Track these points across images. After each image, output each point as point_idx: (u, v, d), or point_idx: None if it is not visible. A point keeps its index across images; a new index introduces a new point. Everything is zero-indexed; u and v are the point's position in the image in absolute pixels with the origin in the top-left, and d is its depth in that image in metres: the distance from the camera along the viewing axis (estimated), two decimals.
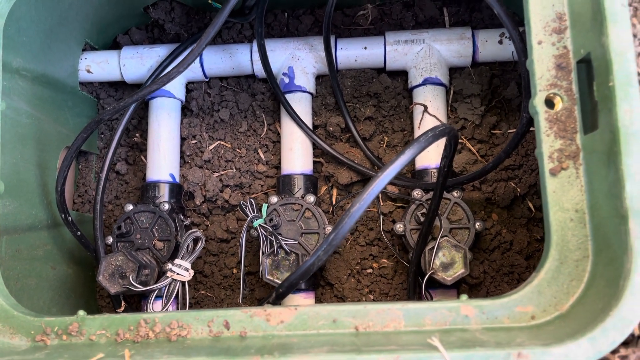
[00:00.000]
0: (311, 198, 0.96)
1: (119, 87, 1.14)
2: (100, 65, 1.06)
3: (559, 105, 0.61)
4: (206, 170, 1.07)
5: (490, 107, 1.03)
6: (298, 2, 1.08)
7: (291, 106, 1.00)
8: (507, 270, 0.97)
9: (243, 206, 0.93)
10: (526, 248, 0.98)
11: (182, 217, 1.01)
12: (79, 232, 0.94)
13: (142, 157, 1.11)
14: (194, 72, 1.06)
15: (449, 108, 1.03)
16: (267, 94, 1.09)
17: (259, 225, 0.92)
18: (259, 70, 1.04)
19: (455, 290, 0.95)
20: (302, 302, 0.96)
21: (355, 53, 1.02)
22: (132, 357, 0.57)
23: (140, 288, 0.86)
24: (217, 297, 1.06)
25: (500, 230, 0.99)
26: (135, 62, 1.05)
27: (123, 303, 0.96)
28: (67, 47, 1.02)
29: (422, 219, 0.91)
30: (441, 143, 0.76)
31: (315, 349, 0.55)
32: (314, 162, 1.04)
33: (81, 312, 0.66)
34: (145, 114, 1.09)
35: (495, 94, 1.03)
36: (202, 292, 1.06)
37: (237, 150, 1.08)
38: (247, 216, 0.92)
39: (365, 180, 1.04)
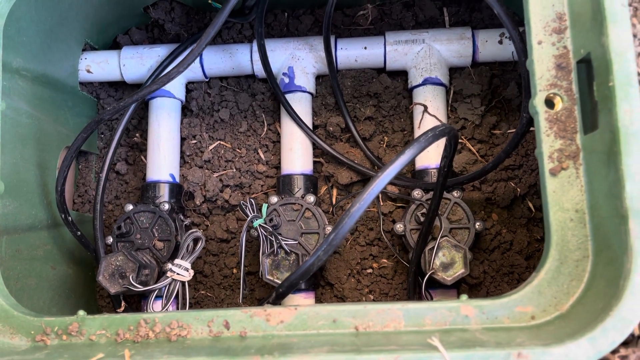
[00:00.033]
0: (311, 198, 0.96)
1: (119, 87, 1.14)
2: (100, 65, 1.06)
3: (559, 105, 0.61)
4: (206, 170, 1.07)
5: (490, 107, 1.03)
6: (298, 2, 1.08)
7: (291, 106, 1.00)
8: (507, 270, 0.97)
9: (243, 206, 0.93)
10: (526, 248, 0.98)
11: (182, 217, 1.01)
12: (79, 232, 0.95)
13: (142, 157, 1.11)
14: (194, 72, 1.06)
15: (449, 108, 1.03)
16: (267, 94, 1.09)
17: (259, 225, 0.92)
18: (259, 70, 1.04)
19: (455, 290, 0.95)
20: (302, 302, 0.96)
21: (355, 53, 1.02)
22: (132, 357, 0.57)
23: (140, 288, 0.86)
24: (217, 297, 1.06)
25: (500, 230, 0.99)
26: (135, 62, 1.05)
27: (123, 303, 0.96)
28: (67, 47, 1.02)
29: (422, 219, 0.91)
30: (441, 143, 0.76)
31: (315, 349, 0.55)
32: (314, 162, 1.04)
33: (81, 312, 0.66)
34: (145, 114, 1.09)
35: (495, 94, 1.03)
36: (202, 292, 1.06)
37: (237, 150, 1.08)
38: (247, 216, 0.92)
39: (365, 180, 1.04)
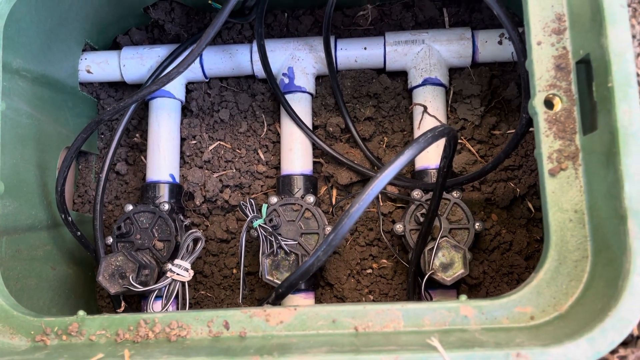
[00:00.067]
0: (311, 198, 0.97)
1: (119, 87, 1.14)
2: (100, 66, 1.06)
3: (558, 105, 0.61)
4: (206, 171, 1.07)
5: (490, 108, 1.03)
6: (298, 2, 1.08)
7: (291, 106, 1.00)
8: (506, 271, 0.97)
9: (243, 206, 0.93)
10: (526, 248, 0.98)
11: (182, 218, 1.01)
12: (78, 233, 0.95)
13: (142, 158, 1.11)
14: (194, 72, 1.06)
15: (449, 108, 1.03)
16: (267, 95, 1.09)
17: (259, 225, 0.92)
18: (259, 71, 1.04)
19: (454, 291, 0.95)
20: (301, 302, 0.96)
21: (355, 53, 1.02)
22: (131, 357, 0.57)
23: (140, 288, 0.86)
24: (217, 297, 1.06)
25: (499, 231, 0.99)
26: (135, 63, 1.05)
27: (123, 303, 0.96)
28: (67, 47, 1.02)
29: (421, 219, 0.91)
30: (441, 143, 0.76)
31: (315, 349, 0.55)
32: (314, 163, 1.04)
33: (81, 312, 0.66)
34: (145, 114, 1.09)
35: (494, 94, 1.03)
36: (202, 292, 1.06)
37: (237, 150, 1.08)
38: (247, 216, 0.92)
39: (365, 180, 1.04)
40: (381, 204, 1.03)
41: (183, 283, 0.90)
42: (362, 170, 1.01)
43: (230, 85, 1.10)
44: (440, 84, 0.99)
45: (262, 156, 1.08)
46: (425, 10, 1.05)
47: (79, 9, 0.99)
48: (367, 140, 1.05)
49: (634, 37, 0.63)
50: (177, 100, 1.06)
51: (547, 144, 0.61)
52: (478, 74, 1.02)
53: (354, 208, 0.60)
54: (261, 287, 1.05)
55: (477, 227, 0.92)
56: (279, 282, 0.84)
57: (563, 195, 0.60)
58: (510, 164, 0.99)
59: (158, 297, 0.92)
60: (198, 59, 1.04)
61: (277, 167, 1.07)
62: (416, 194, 0.95)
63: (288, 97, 1.02)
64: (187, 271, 0.89)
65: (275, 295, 0.71)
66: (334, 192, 1.06)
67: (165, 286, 0.89)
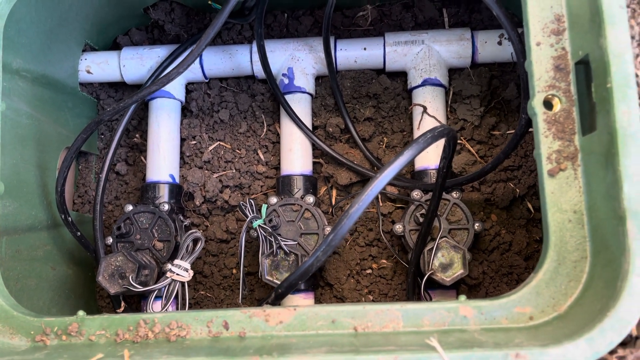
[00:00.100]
0: (310, 199, 0.97)
1: (119, 87, 1.14)
2: (100, 66, 1.06)
3: (557, 106, 0.61)
4: (206, 171, 1.08)
5: (490, 108, 1.03)
6: (298, 3, 1.08)
7: (291, 107, 1.01)
8: (506, 271, 0.97)
9: (242, 207, 0.93)
10: (525, 249, 0.98)
11: (181, 218, 1.01)
12: (78, 233, 0.95)
13: (142, 158, 1.11)
14: (193, 72, 1.06)
15: (449, 109, 1.03)
16: (266, 95, 1.09)
17: (259, 225, 0.92)
18: (259, 71, 1.04)
19: (454, 291, 0.95)
20: (301, 302, 0.96)
21: (354, 54, 1.02)
22: (131, 357, 0.57)
23: (140, 288, 0.86)
24: (216, 297, 1.06)
25: (499, 231, 0.99)
26: (135, 63, 1.05)
27: (123, 303, 0.96)
28: (67, 48, 1.02)
29: (421, 219, 0.92)
30: (441, 144, 0.76)
31: (314, 349, 0.55)
32: (314, 163, 1.05)
33: (81, 313, 0.66)
34: (145, 114, 1.09)
35: (494, 95, 1.03)
36: (202, 292, 1.06)
37: (237, 150, 1.08)
38: (247, 217, 0.92)
39: (364, 180, 1.04)
40: (381, 204, 1.03)
41: (183, 283, 0.90)
42: (361, 170, 1.01)
43: (230, 85, 1.10)
44: (440, 85, 0.99)
45: (261, 156, 1.08)
46: (425, 11, 1.06)
47: (79, 9, 0.99)
48: (366, 141, 1.05)
49: (632, 38, 0.64)
50: (177, 100, 1.06)
51: (547, 144, 0.61)
52: (478, 74, 1.02)
53: (354, 208, 0.61)
54: (261, 288, 1.05)
55: (476, 227, 0.92)
56: (279, 283, 0.84)
57: (562, 196, 0.60)
58: (510, 164, 0.99)
59: (158, 297, 0.92)
60: (198, 60, 1.04)
61: (277, 168, 1.07)
62: (416, 194, 0.95)
63: (288, 97, 1.02)
64: (187, 271, 0.89)
65: (274, 296, 0.71)
66: (334, 192, 1.06)
67: (165, 286, 0.89)
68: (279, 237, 0.91)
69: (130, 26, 1.12)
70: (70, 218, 0.93)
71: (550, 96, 0.61)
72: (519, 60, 0.75)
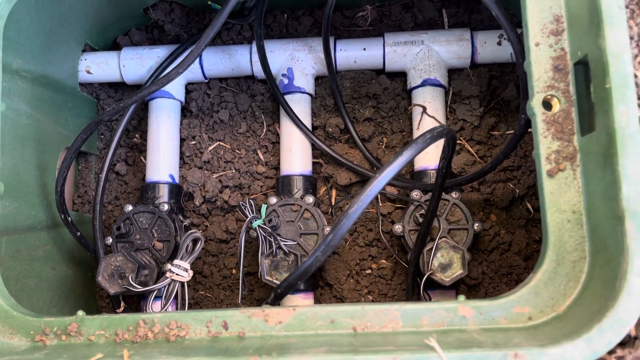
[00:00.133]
0: (310, 199, 0.97)
1: (118, 88, 1.14)
2: (100, 66, 1.06)
3: (556, 106, 0.61)
4: (205, 171, 1.08)
5: (489, 109, 1.03)
6: (297, 3, 1.08)
7: (290, 107, 1.01)
8: (505, 271, 0.98)
9: (242, 207, 0.93)
10: (525, 249, 0.98)
11: (181, 218, 1.01)
12: (78, 233, 0.95)
13: (142, 158, 1.11)
14: (193, 73, 1.06)
15: (448, 109, 1.03)
16: (266, 95, 1.09)
17: (258, 226, 0.92)
18: (259, 71, 1.04)
19: (454, 291, 0.95)
20: (301, 302, 0.96)
21: (354, 54, 1.02)
22: (130, 357, 0.57)
23: (140, 288, 0.86)
24: (216, 297, 1.06)
25: (498, 231, 0.99)
26: (135, 63, 1.05)
27: (122, 303, 0.96)
28: (67, 48, 1.02)
29: (420, 219, 0.92)
30: (440, 144, 0.76)
31: (313, 349, 0.55)
32: (313, 163, 1.05)
33: (80, 313, 0.66)
34: (145, 114, 1.09)
35: (494, 95, 1.03)
36: (202, 292, 1.06)
37: (237, 151, 1.08)
38: (246, 217, 0.92)
39: (364, 181, 1.04)
40: (380, 204, 1.03)
41: (182, 283, 0.90)
42: (361, 170, 1.01)
43: (230, 85, 1.10)
44: (440, 85, 0.99)
45: (261, 157, 1.08)
46: (425, 11, 1.06)
47: (79, 9, 0.99)
48: (366, 141, 1.05)
49: (631, 38, 0.64)
50: (177, 100, 1.06)
51: (545, 144, 0.61)
52: (477, 74, 1.02)
53: (353, 209, 0.61)
54: (260, 288, 1.05)
55: (476, 227, 0.92)
56: (278, 283, 0.84)
57: (561, 196, 0.60)
58: (510, 164, 1.00)
59: (157, 297, 0.93)
60: (198, 60, 1.04)
61: (277, 168, 1.07)
62: (415, 194, 0.95)
63: (287, 97, 1.02)
64: (187, 271, 0.89)
65: (274, 296, 0.71)
66: (334, 192, 1.06)
67: (165, 286, 0.89)
68: (278, 237, 0.92)
69: (130, 26, 1.12)
70: (70, 218, 0.93)
71: (549, 96, 0.61)
72: (518, 60, 0.75)
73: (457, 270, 0.87)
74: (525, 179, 0.98)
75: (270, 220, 0.92)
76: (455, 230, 0.92)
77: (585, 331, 0.51)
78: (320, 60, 1.02)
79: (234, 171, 1.07)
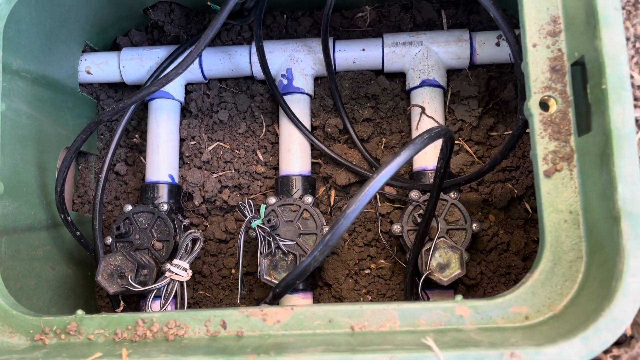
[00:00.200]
0: (309, 199, 0.97)
1: (118, 88, 1.15)
2: (100, 67, 1.07)
3: (553, 107, 0.61)
4: (205, 171, 1.08)
5: (488, 109, 1.04)
6: (297, 4, 1.09)
7: (289, 108, 1.01)
8: (504, 271, 0.98)
9: (241, 207, 0.93)
10: (523, 249, 0.98)
11: (181, 218, 1.02)
12: (78, 233, 0.95)
13: (142, 158, 1.11)
14: (193, 73, 1.06)
15: (447, 110, 1.04)
16: (265, 96, 1.09)
17: (257, 226, 0.93)
18: (258, 72, 1.04)
19: (452, 291, 0.95)
20: (300, 302, 0.96)
21: (353, 55, 1.02)
22: (129, 356, 0.57)
23: (139, 288, 0.86)
24: (215, 297, 1.06)
25: (497, 232, 0.99)
26: (134, 64, 1.05)
27: (122, 303, 0.97)
28: (67, 48, 1.03)
29: (419, 220, 0.92)
30: (439, 144, 0.76)
31: (311, 348, 0.55)
32: (312, 163, 1.05)
33: (79, 312, 0.66)
34: (145, 115, 1.10)
35: (492, 95, 1.04)
36: (201, 292, 1.06)
37: (236, 151, 1.09)
38: (246, 217, 0.93)
39: (363, 181, 1.05)
40: (379, 204, 1.04)
41: (181, 283, 0.90)
42: (360, 171, 1.01)
43: (229, 86, 1.11)
44: (438, 86, 1.00)
45: (260, 157, 1.08)
46: (424, 12, 1.06)
47: (79, 10, 0.99)
48: (365, 141, 1.06)
49: (627, 39, 0.64)
50: (177, 101, 1.07)
51: (543, 145, 0.61)
52: (476, 75, 1.02)
53: (351, 208, 0.61)
54: (260, 287, 1.06)
55: (474, 227, 0.92)
56: (277, 282, 0.84)
57: (558, 196, 0.60)
58: (508, 165, 1.00)
59: (157, 297, 0.93)
60: (197, 60, 1.04)
61: (276, 168, 1.07)
62: (414, 194, 0.95)
63: (287, 98, 1.02)
64: (186, 271, 0.90)
65: (272, 295, 0.71)
66: (333, 192, 1.06)
67: (164, 286, 0.89)
68: (277, 237, 0.92)
69: (130, 27, 1.12)
70: (69, 218, 0.93)
71: (546, 97, 0.61)
72: (516, 61, 0.75)
73: (455, 270, 0.87)
74: (523, 180, 0.99)
75: (269, 220, 0.93)
76: (454, 231, 0.93)
77: (582, 330, 0.52)
78: (320, 60, 1.03)
79: (233, 171, 1.08)
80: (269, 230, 0.92)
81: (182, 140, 1.09)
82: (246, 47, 1.05)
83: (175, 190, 1.03)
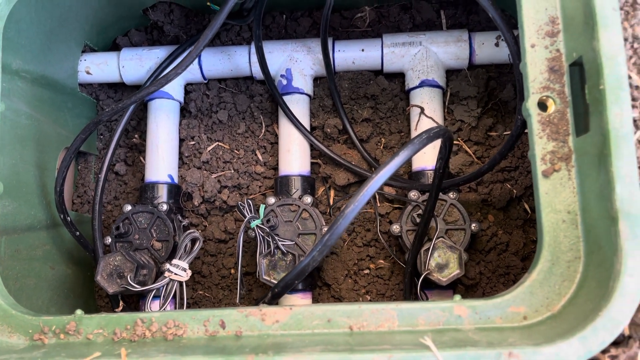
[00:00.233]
0: (308, 199, 0.97)
1: (118, 88, 1.15)
2: (100, 67, 1.07)
3: (551, 107, 0.61)
4: (204, 171, 1.08)
5: (487, 109, 1.04)
6: (296, 4, 1.09)
7: (289, 108, 1.01)
8: (503, 272, 0.98)
9: (241, 207, 0.93)
10: (522, 249, 0.98)
11: (180, 218, 1.02)
12: (77, 233, 0.95)
13: (141, 158, 1.11)
14: (192, 73, 1.06)
15: (446, 110, 1.04)
16: (265, 96, 1.09)
17: (257, 226, 0.93)
18: (257, 72, 1.04)
19: (451, 291, 0.95)
20: (299, 302, 0.96)
21: (352, 55, 1.02)
22: (128, 356, 0.58)
23: (138, 288, 0.86)
24: (215, 297, 1.06)
25: (496, 232, 0.99)
26: (134, 64, 1.06)
27: (121, 303, 0.97)
28: (66, 48, 1.03)
29: (418, 220, 0.92)
30: (439, 144, 0.76)
31: (309, 348, 0.55)
32: (312, 164, 1.05)
33: (78, 312, 0.66)
34: (144, 115, 1.10)
35: (491, 96, 1.04)
36: (200, 292, 1.06)
37: (235, 151, 1.09)
38: (245, 217, 0.93)
39: (362, 181, 1.05)
40: (378, 204, 1.04)
41: (181, 283, 0.90)
42: (359, 171, 1.01)
43: (229, 86, 1.11)
44: (437, 86, 1.00)
45: (260, 157, 1.08)
46: (423, 13, 1.06)
47: (79, 10, 0.99)
48: (364, 142, 1.06)
49: (625, 40, 0.64)
50: (176, 101, 1.07)
51: (541, 145, 0.61)
52: (475, 75, 1.02)
53: (349, 208, 0.61)
54: (259, 287, 1.06)
55: (473, 227, 0.92)
56: (276, 282, 0.84)
57: (556, 197, 0.60)
58: (507, 165, 1.00)
59: (156, 296, 0.93)
60: (197, 60, 1.05)
61: (275, 168, 1.08)
62: (413, 194, 0.95)
63: (286, 98, 1.03)
64: (185, 271, 0.90)
65: (271, 295, 0.71)
66: (332, 192, 1.06)
67: (163, 286, 0.90)
68: (276, 237, 0.92)
69: (130, 27, 1.12)
70: (69, 218, 0.93)
71: (544, 97, 0.62)
72: (515, 61, 0.75)
73: (454, 270, 0.87)
74: (522, 180, 0.99)
75: (268, 220, 0.93)
76: (453, 231, 0.93)
77: (580, 330, 0.52)
78: (319, 61, 1.03)
79: (232, 171, 1.08)
80: (268, 230, 0.92)
81: (181, 141, 1.09)
82: (245, 48, 1.05)
83: (174, 190, 1.03)
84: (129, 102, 0.87)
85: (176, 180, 1.05)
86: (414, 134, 1.01)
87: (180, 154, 1.09)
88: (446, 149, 0.74)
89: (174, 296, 0.91)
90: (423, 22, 1.07)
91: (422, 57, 1.00)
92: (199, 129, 1.09)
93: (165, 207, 0.98)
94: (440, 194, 0.92)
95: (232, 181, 1.07)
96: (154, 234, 0.97)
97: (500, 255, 0.99)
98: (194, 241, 0.92)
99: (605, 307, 0.52)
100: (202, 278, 1.07)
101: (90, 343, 0.64)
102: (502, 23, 0.75)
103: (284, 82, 1.03)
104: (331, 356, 0.53)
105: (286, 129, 1.02)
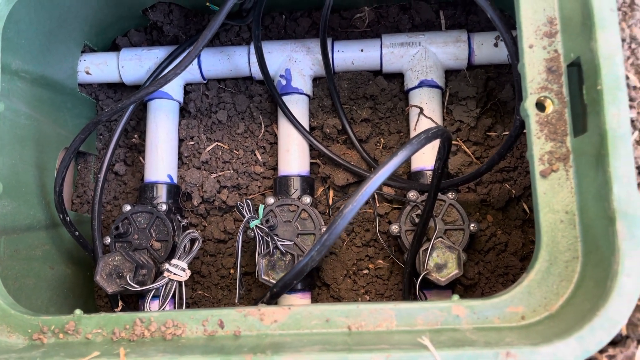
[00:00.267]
0: (307, 199, 0.97)
1: (117, 88, 1.15)
2: (99, 67, 1.07)
3: (549, 108, 0.61)
4: (204, 172, 1.08)
5: (486, 110, 1.04)
6: (295, 4, 1.09)
7: (288, 108, 1.01)
8: (501, 272, 0.98)
9: (240, 207, 0.94)
10: (521, 249, 0.98)
11: (179, 218, 1.02)
12: (77, 233, 0.95)
13: (141, 158, 1.12)
14: (192, 74, 1.07)
15: (445, 110, 1.04)
16: (264, 96, 1.09)
17: (256, 226, 0.93)
18: (257, 72, 1.05)
19: (450, 291, 0.95)
20: (298, 302, 0.96)
21: (351, 55, 1.03)
22: (127, 355, 0.58)
23: (137, 288, 0.87)
24: (214, 297, 1.06)
25: (495, 232, 0.99)
26: (133, 64, 1.06)
27: (120, 303, 0.97)
28: (66, 48, 1.03)
29: (417, 220, 0.92)
30: (437, 145, 0.76)
31: (308, 347, 0.55)
32: (311, 164, 1.05)
33: (77, 311, 0.66)
34: (144, 115, 1.10)
35: (490, 96, 1.04)
36: (200, 292, 1.07)
37: (235, 151, 1.09)
38: (244, 217, 0.93)
39: (361, 181, 1.05)
40: (377, 204, 1.04)
41: (180, 283, 0.90)
42: (358, 171, 1.02)
43: (228, 86, 1.11)
44: (436, 86, 1.00)
45: (259, 157, 1.08)
46: (422, 13, 1.06)
47: (78, 10, 0.99)
48: (363, 142, 1.06)
49: (623, 40, 0.64)
50: (175, 101, 1.07)
51: (539, 145, 0.61)
52: (474, 76, 1.02)
53: (348, 208, 0.61)
54: (258, 287, 1.06)
55: (472, 228, 0.92)
56: (275, 282, 0.84)
57: (554, 197, 0.60)
58: (506, 165, 1.00)
59: (155, 296, 0.93)
60: (196, 61, 1.05)
61: (274, 168, 1.08)
62: (412, 195, 0.95)
63: (285, 98, 1.03)
64: (184, 271, 0.90)
65: (269, 295, 0.71)
66: (331, 193, 1.06)
67: (162, 286, 0.90)
68: (275, 238, 0.92)
69: (129, 27, 1.13)
70: (68, 218, 0.93)
71: (542, 98, 0.62)
72: (513, 62, 0.75)
73: (452, 270, 0.87)
74: (521, 180, 0.99)
75: (267, 221, 0.93)
76: (452, 231, 0.93)
77: (577, 330, 0.52)
78: (318, 61, 1.03)
79: (232, 171, 1.08)
80: (267, 230, 0.92)
81: (181, 141, 1.09)
82: (245, 48, 1.05)
83: (174, 190, 1.03)
84: (128, 102, 0.87)
85: (175, 180, 1.05)
86: (413, 134, 1.01)
87: (180, 154, 1.09)
88: (445, 149, 0.74)
89: (173, 296, 0.91)
90: (422, 23, 1.07)
91: (421, 58, 1.00)
92: (198, 129, 1.09)
93: (164, 207, 0.98)
94: (439, 194, 0.92)
95: (232, 181, 1.07)
96: (153, 234, 0.97)
97: (499, 256, 0.99)
98: (193, 241, 0.93)
99: (602, 307, 0.52)
100: (202, 278, 1.07)
101: (89, 343, 0.64)
102: (500, 23, 0.75)
103: (283, 82, 1.03)
104: (329, 356, 0.54)
105: (285, 129, 1.02)
